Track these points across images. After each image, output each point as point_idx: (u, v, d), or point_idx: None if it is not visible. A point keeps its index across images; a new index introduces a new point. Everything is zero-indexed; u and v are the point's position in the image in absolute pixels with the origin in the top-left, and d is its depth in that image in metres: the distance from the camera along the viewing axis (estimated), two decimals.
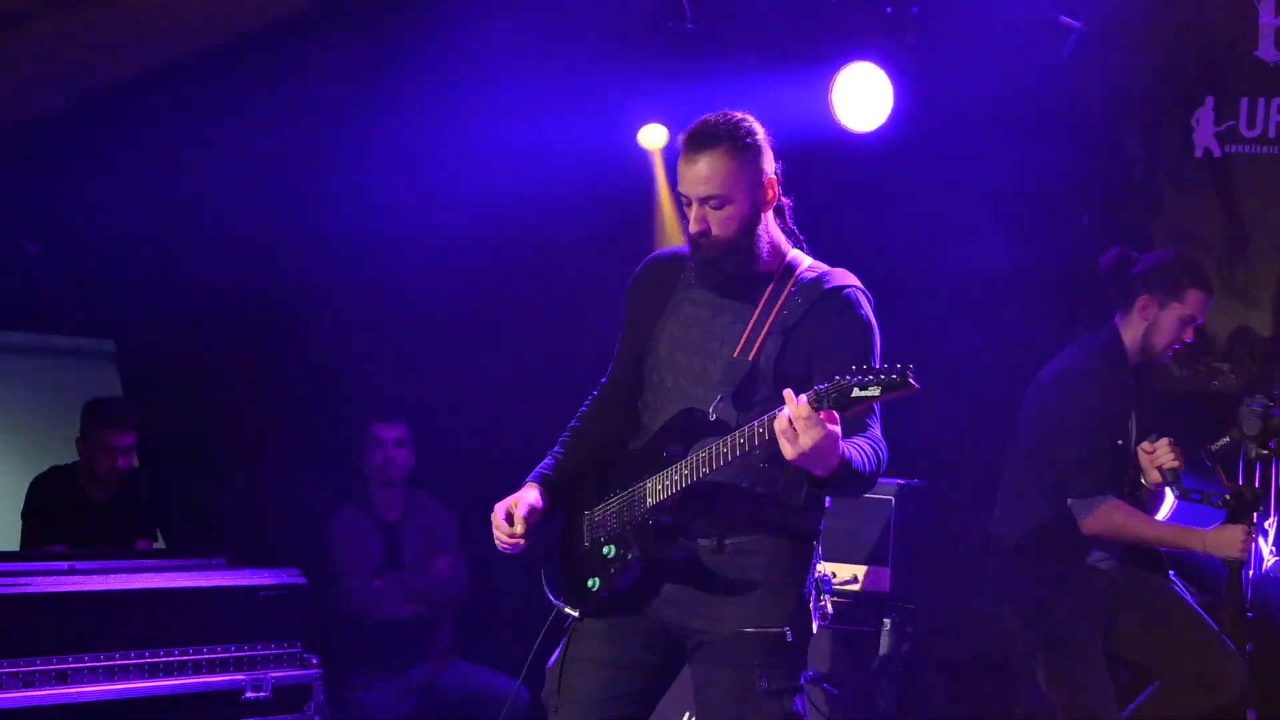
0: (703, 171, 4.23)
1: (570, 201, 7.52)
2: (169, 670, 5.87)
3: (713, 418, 4.23)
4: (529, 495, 4.47)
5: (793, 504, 4.28)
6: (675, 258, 4.50)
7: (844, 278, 4.36)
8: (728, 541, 4.29)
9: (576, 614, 4.40)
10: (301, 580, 6.24)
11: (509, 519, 4.42)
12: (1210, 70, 6.97)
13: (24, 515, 7.22)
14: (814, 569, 4.37)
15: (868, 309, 4.32)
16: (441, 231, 7.73)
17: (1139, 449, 5.73)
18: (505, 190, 7.49)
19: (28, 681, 5.55)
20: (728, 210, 4.25)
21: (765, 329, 4.26)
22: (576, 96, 7.42)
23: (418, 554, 7.47)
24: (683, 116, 7.73)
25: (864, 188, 7.54)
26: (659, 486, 4.28)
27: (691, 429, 4.27)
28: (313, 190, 7.79)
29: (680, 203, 4.35)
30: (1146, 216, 6.97)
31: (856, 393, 3.84)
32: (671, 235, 7.76)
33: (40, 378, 8.35)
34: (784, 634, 4.26)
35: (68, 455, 7.30)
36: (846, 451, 3.96)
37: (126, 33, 6.91)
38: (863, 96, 7.22)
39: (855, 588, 6.06)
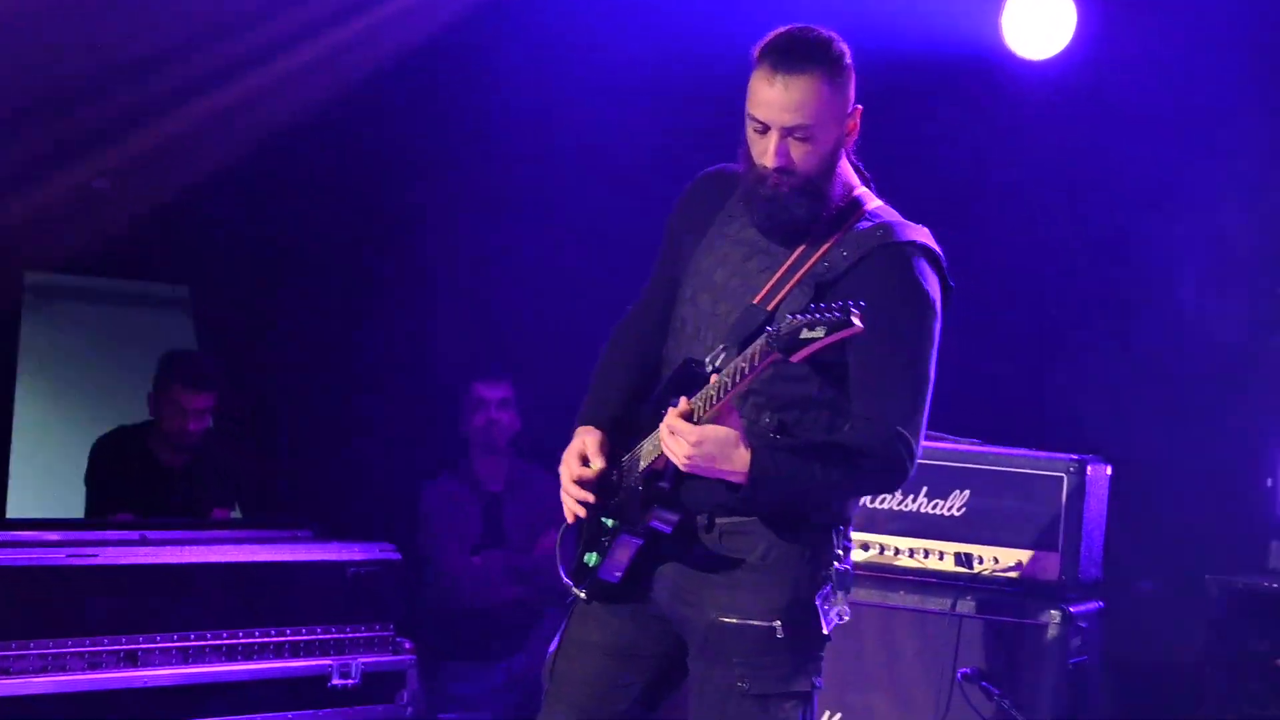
0: (795, 97, 4.02)
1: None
2: (248, 653, 5.89)
3: (709, 370, 4.06)
4: (591, 435, 4.34)
5: None
6: (729, 179, 4.32)
7: (908, 232, 4.17)
8: (720, 520, 4.17)
9: (582, 594, 4.31)
10: (396, 556, 6.24)
11: (584, 460, 4.29)
12: None
13: (88, 480, 7.26)
14: (831, 557, 4.22)
15: (926, 274, 4.12)
16: (554, 160, 7.72)
17: None
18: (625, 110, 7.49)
19: (94, 662, 5.57)
20: (813, 144, 4.08)
21: (796, 277, 4.11)
22: None
23: (522, 529, 7.48)
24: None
25: (1028, 126, 7.49)
26: (651, 447, 4.17)
27: (689, 380, 4.10)
28: (405, 130, 7.86)
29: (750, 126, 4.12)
30: None
31: (805, 333, 3.74)
32: None
33: (107, 326, 8.44)
34: (772, 629, 4.13)
35: (135, 412, 7.35)
36: (770, 460, 3.92)
37: None
38: (1039, 18, 7.20)
39: (1015, 575, 6.02)
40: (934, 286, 4.12)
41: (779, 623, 4.12)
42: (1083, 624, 6.01)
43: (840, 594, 4.23)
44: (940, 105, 7.56)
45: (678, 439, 3.91)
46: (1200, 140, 7.03)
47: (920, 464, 5.93)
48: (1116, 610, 6.33)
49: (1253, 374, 6.81)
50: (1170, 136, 7.07)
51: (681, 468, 3.94)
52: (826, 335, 3.72)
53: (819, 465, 3.97)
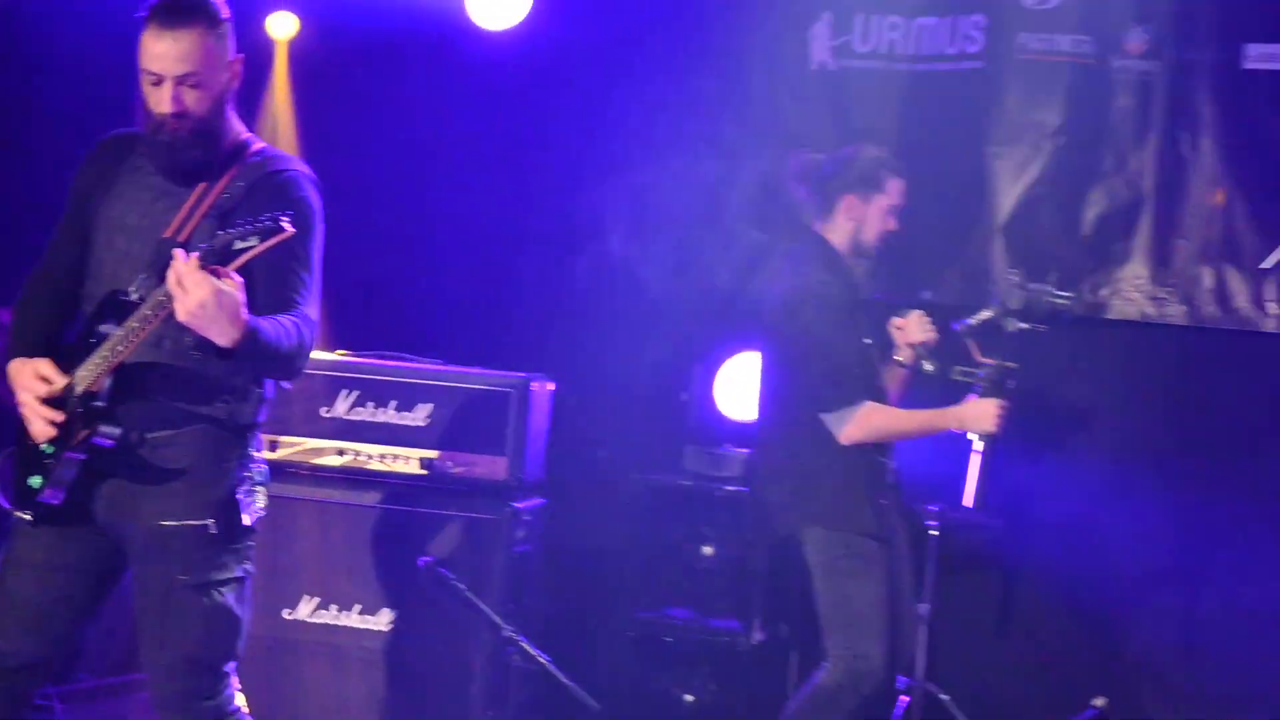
0: (183, 48, 4.35)
1: None
2: None
3: (134, 296, 4.38)
4: (37, 360, 4.48)
5: (225, 394, 4.51)
6: (127, 139, 4.62)
7: (290, 162, 4.62)
8: (150, 435, 4.46)
9: (27, 516, 4.46)
10: None
11: (43, 379, 4.42)
12: None
13: None
14: (249, 461, 4.60)
15: (309, 190, 4.56)
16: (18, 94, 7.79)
17: (889, 325, 6.08)
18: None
19: None
20: (203, 89, 4.40)
21: (202, 210, 4.45)
22: None
23: None
24: (315, 4, 8.09)
25: (488, 104, 7.91)
26: (86, 373, 4.38)
27: (115, 310, 4.39)
28: None
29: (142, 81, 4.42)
30: (766, 127, 7.55)
31: (238, 244, 4.11)
32: (283, 133, 7.95)
33: None
34: (205, 527, 4.47)
35: None
36: (256, 323, 4.18)
37: None
38: None
39: (470, 476, 6.53)
40: (316, 200, 4.60)
41: (211, 520, 4.50)
42: (526, 518, 6.61)
43: (260, 490, 4.67)
44: (405, 73, 7.91)
45: (196, 288, 4.04)
46: (627, 105, 7.58)
47: (389, 381, 6.53)
48: (556, 507, 6.91)
49: (672, 308, 7.45)
50: (606, 100, 7.63)
51: (186, 316, 4.08)
52: (260, 243, 4.13)
53: (279, 340, 4.30)
